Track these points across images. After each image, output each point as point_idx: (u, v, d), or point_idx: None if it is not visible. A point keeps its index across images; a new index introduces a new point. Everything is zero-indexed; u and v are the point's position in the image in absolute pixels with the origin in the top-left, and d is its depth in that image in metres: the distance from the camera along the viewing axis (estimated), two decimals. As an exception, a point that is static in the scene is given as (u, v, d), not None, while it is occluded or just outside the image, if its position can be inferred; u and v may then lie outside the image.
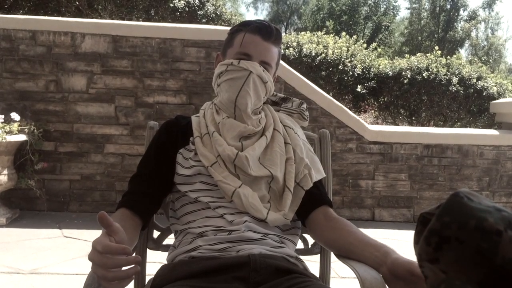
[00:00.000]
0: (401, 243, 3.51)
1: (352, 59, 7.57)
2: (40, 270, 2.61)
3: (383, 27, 22.68)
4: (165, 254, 1.16)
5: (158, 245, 1.28)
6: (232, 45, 1.16)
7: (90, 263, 0.78)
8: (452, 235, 0.35)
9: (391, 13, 23.81)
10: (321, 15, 21.87)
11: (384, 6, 23.86)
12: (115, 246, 0.76)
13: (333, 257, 1.16)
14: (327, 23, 14.90)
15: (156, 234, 1.30)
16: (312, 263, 1.25)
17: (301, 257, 1.11)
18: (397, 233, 3.88)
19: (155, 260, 1.36)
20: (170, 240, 1.21)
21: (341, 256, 1.04)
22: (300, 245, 1.26)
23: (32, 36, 3.89)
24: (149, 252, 1.27)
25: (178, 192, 1.13)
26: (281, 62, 4.56)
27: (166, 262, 1.10)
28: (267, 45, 1.14)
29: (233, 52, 1.15)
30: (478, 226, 0.34)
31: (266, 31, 1.13)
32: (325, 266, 1.29)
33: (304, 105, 1.28)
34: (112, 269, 0.75)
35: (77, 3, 8.46)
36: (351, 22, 21.49)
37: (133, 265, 0.77)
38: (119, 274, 0.76)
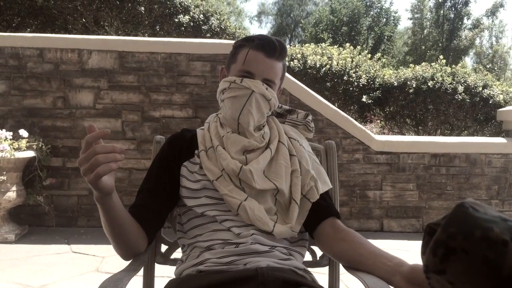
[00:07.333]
0: (411, 253, 3.47)
1: (357, 69, 7.58)
2: (49, 286, 2.61)
3: (386, 38, 22.69)
4: (173, 268, 1.15)
5: (166, 259, 1.28)
6: (236, 61, 1.15)
7: (99, 279, 0.78)
8: (458, 246, 0.35)
9: (392, 23, 23.81)
10: (321, 27, 21.89)
11: (385, 18, 23.90)
12: (97, 132, 0.84)
13: (342, 269, 1.15)
14: (323, 35, 14.92)
15: (164, 248, 1.30)
16: (321, 275, 1.24)
17: (310, 269, 1.11)
18: (406, 243, 3.84)
19: (163, 275, 1.36)
20: (178, 254, 1.21)
21: (350, 268, 1.03)
22: (308, 257, 1.25)
23: (40, 54, 3.95)
24: (157, 267, 1.27)
25: (184, 206, 1.14)
26: (286, 74, 4.54)
27: (174, 276, 1.10)
28: (271, 62, 1.13)
29: (236, 68, 1.14)
30: (483, 236, 0.34)
31: (269, 47, 1.12)
32: (334, 278, 1.28)
33: (310, 117, 1.28)
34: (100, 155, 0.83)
35: (84, 20, 8.59)
36: (353, 33, 21.51)
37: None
38: (109, 156, 0.84)
